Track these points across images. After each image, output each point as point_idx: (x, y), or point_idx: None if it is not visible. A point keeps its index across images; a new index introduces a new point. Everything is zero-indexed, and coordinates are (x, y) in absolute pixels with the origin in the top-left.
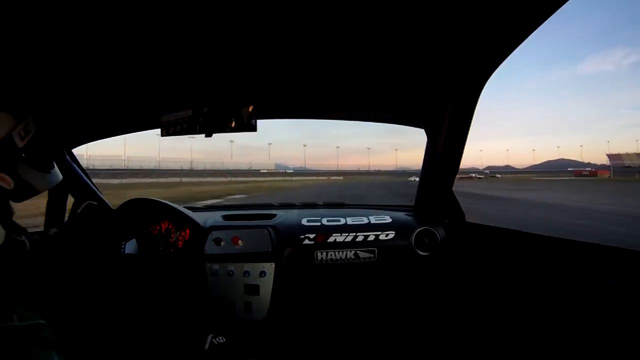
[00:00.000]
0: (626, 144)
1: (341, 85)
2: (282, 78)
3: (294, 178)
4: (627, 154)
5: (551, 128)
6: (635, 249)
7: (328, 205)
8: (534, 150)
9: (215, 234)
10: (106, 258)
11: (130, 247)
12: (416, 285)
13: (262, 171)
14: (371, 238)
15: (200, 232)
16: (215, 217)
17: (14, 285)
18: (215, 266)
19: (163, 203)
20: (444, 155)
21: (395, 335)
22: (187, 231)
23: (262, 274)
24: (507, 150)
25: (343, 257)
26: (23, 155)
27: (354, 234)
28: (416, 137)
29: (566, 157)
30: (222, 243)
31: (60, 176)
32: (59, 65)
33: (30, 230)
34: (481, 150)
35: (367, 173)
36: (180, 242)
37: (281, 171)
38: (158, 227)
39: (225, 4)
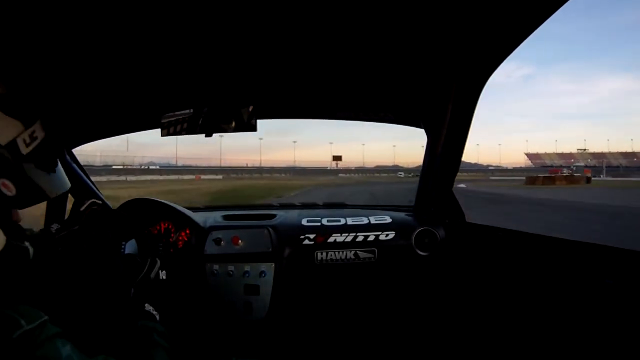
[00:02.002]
0: (524, 145)
1: (341, 85)
2: (282, 78)
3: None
4: (547, 154)
5: None
6: (636, 250)
7: (328, 206)
8: (422, 146)
9: (215, 234)
10: (106, 258)
11: (130, 247)
12: (416, 286)
13: (114, 167)
14: (371, 238)
15: (200, 232)
16: (215, 217)
17: (16, 291)
18: (215, 266)
19: (163, 203)
20: (444, 155)
21: (395, 335)
22: (187, 231)
23: (262, 274)
24: (393, 146)
25: (343, 257)
26: (27, 161)
27: (354, 234)
28: (316, 134)
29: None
30: (222, 243)
31: (68, 184)
32: (59, 65)
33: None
34: (394, 146)
35: (259, 170)
36: (180, 242)
37: (144, 167)
38: (158, 227)
39: (225, 4)
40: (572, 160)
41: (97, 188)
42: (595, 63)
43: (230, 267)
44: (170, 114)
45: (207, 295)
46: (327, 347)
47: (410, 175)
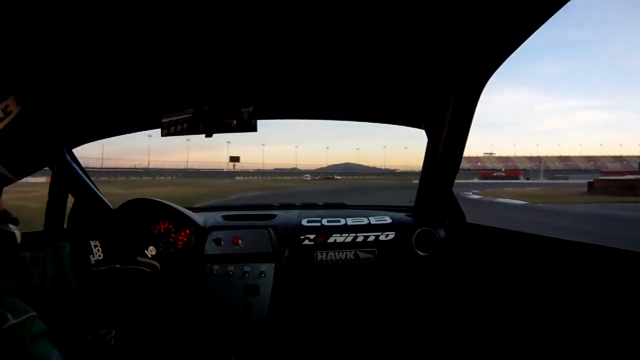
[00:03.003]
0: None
1: (342, 86)
2: (282, 78)
3: None
4: None
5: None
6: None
7: (328, 206)
8: (327, 147)
9: (215, 234)
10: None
11: None
12: (416, 286)
13: None
14: (371, 239)
15: (200, 232)
16: (215, 217)
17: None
18: (215, 266)
19: (163, 203)
20: (444, 156)
21: (395, 336)
22: (187, 231)
23: (262, 274)
24: (296, 146)
25: (343, 257)
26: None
27: (354, 234)
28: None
29: (351, 162)
30: (222, 243)
31: (47, 166)
32: (59, 64)
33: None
34: (296, 147)
35: (140, 172)
36: (180, 243)
37: None
38: (158, 227)
39: (226, 4)
40: (479, 163)
41: (97, 188)
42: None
43: (230, 268)
44: (170, 113)
45: (207, 295)
46: (327, 348)
47: (317, 177)
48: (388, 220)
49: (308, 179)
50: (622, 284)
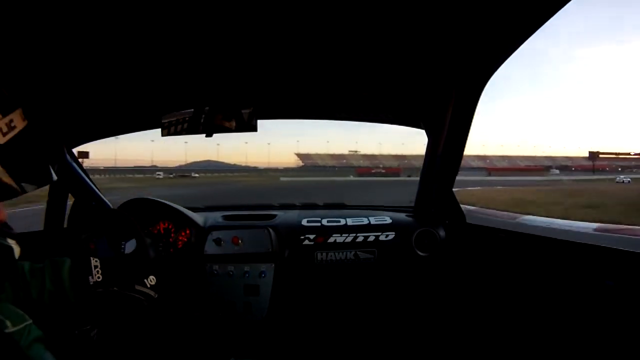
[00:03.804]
0: (295, 145)
1: (342, 86)
2: (283, 79)
3: None
4: (318, 154)
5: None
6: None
7: (328, 206)
8: (186, 142)
9: (215, 234)
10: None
11: (130, 247)
12: (416, 286)
13: None
14: (371, 239)
15: (200, 232)
16: (215, 217)
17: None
18: (215, 266)
19: (163, 203)
20: (445, 156)
21: (395, 336)
22: (187, 231)
23: (262, 274)
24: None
25: (343, 257)
26: (4, 152)
27: (354, 234)
28: None
29: (212, 159)
30: (222, 243)
31: (54, 177)
32: (60, 64)
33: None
34: (152, 141)
35: None
36: (180, 242)
37: None
38: (158, 227)
39: (226, 4)
40: (344, 160)
41: (96, 187)
42: None
43: (230, 268)
44: (171, 113)
45: (207, 295)
46: (327, 348)
47: (171, 175)
48: (388, 220)
49: (161, 177)
50: (620, 284)
